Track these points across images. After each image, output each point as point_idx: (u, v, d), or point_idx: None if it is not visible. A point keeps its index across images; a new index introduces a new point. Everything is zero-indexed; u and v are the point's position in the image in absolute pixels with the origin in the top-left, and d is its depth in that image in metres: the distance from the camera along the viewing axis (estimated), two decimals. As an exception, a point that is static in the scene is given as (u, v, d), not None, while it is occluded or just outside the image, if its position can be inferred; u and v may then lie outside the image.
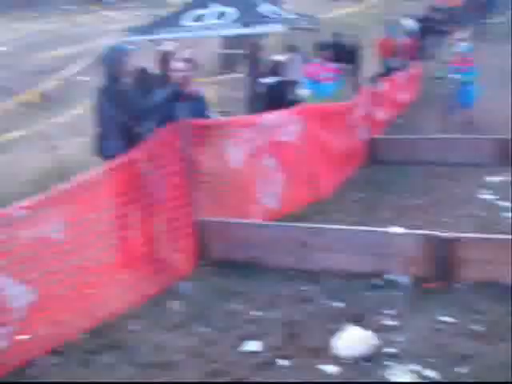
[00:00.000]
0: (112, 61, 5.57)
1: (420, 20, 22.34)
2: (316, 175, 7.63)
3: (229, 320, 4.48)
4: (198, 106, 5.98)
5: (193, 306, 4.71)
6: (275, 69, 9.11)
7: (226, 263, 5.43)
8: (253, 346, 4.09)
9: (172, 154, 5.31)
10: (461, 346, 3.87)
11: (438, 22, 23.01)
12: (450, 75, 12.57)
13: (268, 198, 6.69)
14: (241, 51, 18.68)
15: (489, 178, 8.28)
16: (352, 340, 3.97)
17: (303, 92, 9.90)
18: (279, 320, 4.42)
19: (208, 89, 14.80)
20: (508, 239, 4.73)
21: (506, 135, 9.55)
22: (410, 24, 21.00)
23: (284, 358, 3.91)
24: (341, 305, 4.61)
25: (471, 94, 11.89)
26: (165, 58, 6.65)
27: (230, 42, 21.48)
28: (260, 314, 4.56)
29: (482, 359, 3.70)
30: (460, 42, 12.70)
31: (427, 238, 4.89)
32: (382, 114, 12.71)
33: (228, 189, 6.13)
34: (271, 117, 6.96)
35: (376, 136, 10.29)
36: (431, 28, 22.57)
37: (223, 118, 7.31)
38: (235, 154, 6.18)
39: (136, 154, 5.02)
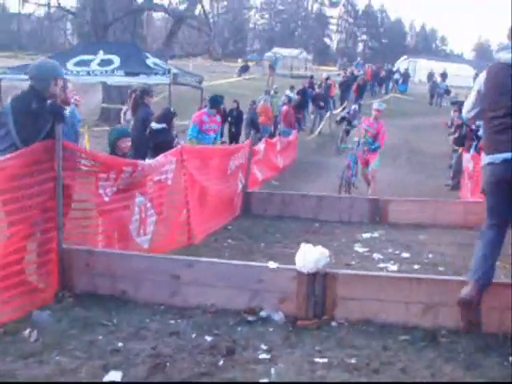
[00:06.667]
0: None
1: (299, 93, 23.46)
2: (190, 219, 7.43)
3: (89, 350, 4.09)
4: (71, 131, 5.65)
5: (49, 335, 4.27)
6: (163, 116, 9.04)
7: (91, 295, 5.06)
8: (116, 376, 3.74)
9: (44, 172, 4.95)
10: (335, 377, 3.72)
11: (317, 97, 24.29)
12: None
13: (140, 238, 6.41)
14: (121, 106, 18.54)
15: (363, 235, 8.44)
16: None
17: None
18: (145, 351, 4.09)
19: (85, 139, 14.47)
20: (384, 276, 4.73)
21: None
22: (290, 95, 21.93)
23: (150, 387, 3.60)
24: (212, 338, 4.35)
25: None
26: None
27: (111, 94, 21.33)
28: (124, 345, 4.21)
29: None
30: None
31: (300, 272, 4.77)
32: (259, 174, 12.87)
33: (99, 222, 5.84)
34: (150, 160, 6.81)
35: (251, 190, 10.28)
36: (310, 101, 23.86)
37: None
38: (107, 188, 5.85)
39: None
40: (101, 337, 4.33)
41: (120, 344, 4.22)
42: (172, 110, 9.52)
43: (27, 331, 4.31)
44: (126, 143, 6.70)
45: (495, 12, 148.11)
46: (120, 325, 4.56)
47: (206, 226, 7.93)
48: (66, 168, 5.16)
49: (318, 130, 22.92)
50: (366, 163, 11.78)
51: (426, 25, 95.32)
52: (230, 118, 18.44)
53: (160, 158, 6.84)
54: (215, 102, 10.11)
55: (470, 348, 4.21)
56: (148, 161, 7.16)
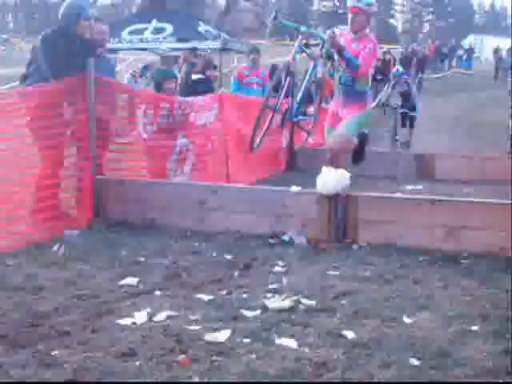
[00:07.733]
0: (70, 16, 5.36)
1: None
2: (229, 165, 7.49)
3: (111, 262, 4.24)
4: (108, 69, 5.78)
5: (76, 250, 4.45)
6: (201, 67, 9.18)
7: (122, 223, 5.20)
8: (132, 280, 3.86)
9: (75, 103, 5.12)
10: (344, 285, 3.74)
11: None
12: None
13: (176, 178, 6.52)
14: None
15: (406, 186, 8.33)
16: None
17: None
18: (164, 264, 4.21)
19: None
20: (406, 198, 4.69)
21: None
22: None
23: (161, 289, 3.70)
24: (231, 256, 4.43)
25: None
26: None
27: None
28: (146, 260, 4.34)
29: (364, 294, 3.58)
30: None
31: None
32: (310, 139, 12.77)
33: (137, 156, 6.00)
34: (189, 99, 6.88)
35: (297, 144, 10.22)
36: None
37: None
38: (147, 125, 5.98)
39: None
40: (124, 252, 4.48)
41: (142, 259, 4.35)
42: (213, 63, 9.59)
43: (56, 246, 4.50)
44: (171, 84, 6.76)
45: None
46: (145, 245, 4.69)
47: (246, 174, 7.93)
48: (101, 102, 5.30)
49: (375, 102, 22.60)
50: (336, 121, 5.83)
51: (496, 2, 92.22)
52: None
53: (198, 97, 6.92)
54: (252, 49, 10.02)
55: (490, 268, 4.14)
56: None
